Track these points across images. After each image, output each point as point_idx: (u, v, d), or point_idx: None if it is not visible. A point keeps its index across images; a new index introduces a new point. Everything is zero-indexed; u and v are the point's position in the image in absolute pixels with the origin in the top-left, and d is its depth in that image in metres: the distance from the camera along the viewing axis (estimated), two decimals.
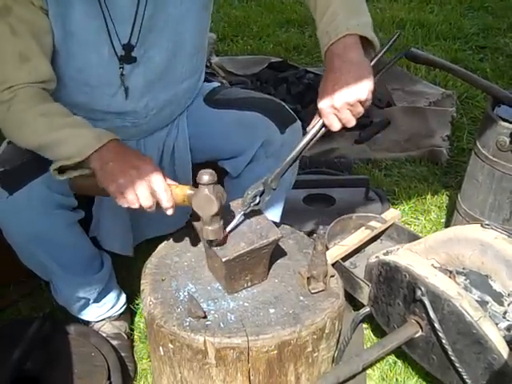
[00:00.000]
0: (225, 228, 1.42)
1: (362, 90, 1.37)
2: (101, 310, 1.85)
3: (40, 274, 1.76)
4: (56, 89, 1.56)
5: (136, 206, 1.37)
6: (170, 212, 1.39)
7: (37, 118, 1.45)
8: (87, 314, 1.85)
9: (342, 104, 1.38)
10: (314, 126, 1.46)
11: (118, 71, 1.58)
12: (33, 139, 1.46)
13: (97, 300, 1.82)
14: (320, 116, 1.44)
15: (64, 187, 1.56)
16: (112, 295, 1.86)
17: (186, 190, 1.38)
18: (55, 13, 1.47)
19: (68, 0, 1.46)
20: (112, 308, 1.87)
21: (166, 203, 1.37)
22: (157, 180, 1.36)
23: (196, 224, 1.47)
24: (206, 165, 1.86)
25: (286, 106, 1.84)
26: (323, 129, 1.46)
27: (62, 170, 1.43)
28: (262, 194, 1.45)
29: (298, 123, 1.82)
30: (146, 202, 1.36)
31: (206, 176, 1.33)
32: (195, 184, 1.39)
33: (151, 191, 1.36)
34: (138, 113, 1.69)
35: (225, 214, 1.43)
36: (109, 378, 1.63)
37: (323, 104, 1.41)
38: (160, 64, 1.64)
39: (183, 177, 1.85)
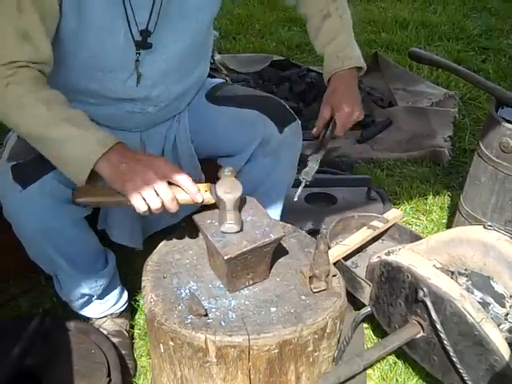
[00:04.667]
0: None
1: (358, 103, 1.74)
2: (103, 307, 1.85)
3: (46, 268, 1.74)
4: (65, 75, 1.55)
5: (158, 204, 1.38)
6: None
7: (37, 104, 1.41)
8: (89, 311, 1.84)
9: (343, 108, 1.70)
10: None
11: (133, 57, 1.58)
12: (32, 127, 1.42)
13: (100, 297, 1.81)
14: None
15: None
16: (115, 292, 1.86)
17: (209, 184, 1.45)
18: None
19: None
20: (114, 305, 1.87)
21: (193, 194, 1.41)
22: (174, 174, 1.40)
23: (197, 220, 1.47)
24: (207, 162, 1.89)
25: (286, 105, 1.83)
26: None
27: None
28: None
29: (298, 122, 1.82)
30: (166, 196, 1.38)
31: (228, 167, 1.46)
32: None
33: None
34: (150, 100, 1.69)
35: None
36: (109, 375, 1.63)
37: (326, 107, 1.73)
38: (177, 54, 1.64)
39: (190, 170, 1.85)
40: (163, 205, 1.38)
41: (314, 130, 1.75)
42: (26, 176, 1.51)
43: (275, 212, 1.91)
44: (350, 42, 1.77)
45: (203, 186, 1.45)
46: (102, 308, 1.85)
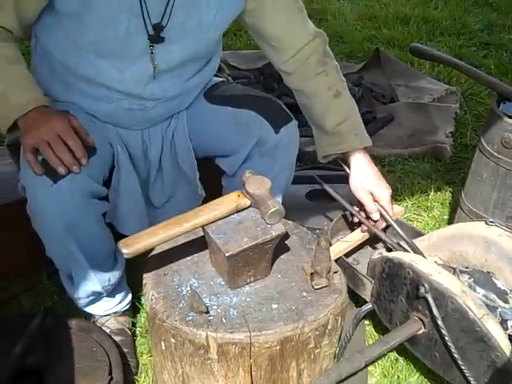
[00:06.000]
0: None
1: (384, 180, 1.86)
2: (110, 305, 1.84)
3: (61, 264, 1.73)
4: (66, 57, 1.61)
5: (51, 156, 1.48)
6: (75, 169, 1.50)
7: None
8: (96, 308, 1.84)
9: (384, 194, 1.84)
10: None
11: (139, 49, 1.61)
12: None
13: (109, 294, 1.81)
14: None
15: (100, 176, 1.59)
16: (122, 291, 1.86)
17: (238, 191, 1.49)
18: None
19: None
20: (120, 303, 1.87)
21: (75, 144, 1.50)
22: (64, 130, 1.50)
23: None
24: (205, 161, 1.88)
25: (283, 105, 1.83)
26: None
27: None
28: None
29: (294, 123, 1.81)
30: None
31: (245, 171, 1.51)
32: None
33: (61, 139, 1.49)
34: (145, 98, 1.71)
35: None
36: (110, 373, 1.63)
37: (365, 192, 1.86)
38: (180, 59, 1.67)
39: (188, 167, 1.85)
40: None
41: (377, 230, 1.87)
42: (55, 170, 1.51)
43: None
44: (360, 121, 1.86)
45: (234, 194, 1.47)
46: (108, 306, 1.85)
